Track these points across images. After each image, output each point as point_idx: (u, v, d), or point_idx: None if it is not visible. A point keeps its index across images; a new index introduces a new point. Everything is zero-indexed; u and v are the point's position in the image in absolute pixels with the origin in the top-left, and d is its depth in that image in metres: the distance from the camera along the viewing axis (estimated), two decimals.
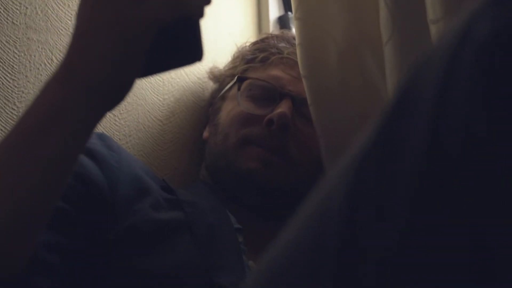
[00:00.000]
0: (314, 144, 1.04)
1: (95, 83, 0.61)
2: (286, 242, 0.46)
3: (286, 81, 1.07)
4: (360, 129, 0.99)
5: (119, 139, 1.08)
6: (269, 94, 1.06)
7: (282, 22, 1.59)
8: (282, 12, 1.63)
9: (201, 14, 0.66)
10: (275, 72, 1.09)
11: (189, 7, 0.64)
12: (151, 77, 0.72)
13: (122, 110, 1.10)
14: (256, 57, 1.14)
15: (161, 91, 1.20)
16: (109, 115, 1.07)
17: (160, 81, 1.20)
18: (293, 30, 1.10)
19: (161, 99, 1.20)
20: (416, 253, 0.38)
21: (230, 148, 1.03)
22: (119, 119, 1.10)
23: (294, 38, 1.15)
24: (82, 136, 0.64)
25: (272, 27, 1.56)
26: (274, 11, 1.60)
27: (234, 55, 1.22)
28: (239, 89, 1.09)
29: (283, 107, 1.02)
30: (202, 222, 0.89)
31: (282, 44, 1.14)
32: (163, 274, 0.81)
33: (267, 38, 1.20)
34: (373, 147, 0.42)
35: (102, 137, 0.92)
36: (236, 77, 1.12)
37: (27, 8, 0.95)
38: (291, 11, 1.07)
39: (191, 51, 0.68)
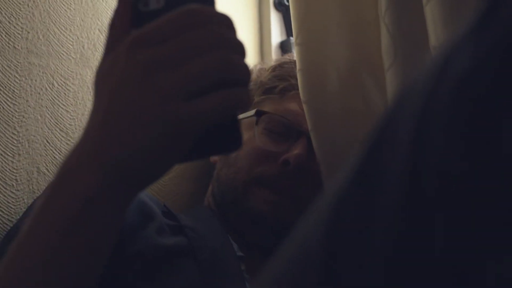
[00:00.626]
0: (321, 180, 1.03)
1: (127, 174, 0.52)
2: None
3: (301, 116, 1.05)
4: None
5: None
6: (286, 131, 1.05)
7: (284, 47, 1.59)
8: (284, 37, 1.64)
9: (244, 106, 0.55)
10: (293, 106, 1.07)
11: (246, 104, 0.54)
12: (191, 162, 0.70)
13: None
14: (274, 86, 1.12)
15: None
16: None
17: None
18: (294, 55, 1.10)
19: None
20: None
21: (240, 185, 1.01)
22: None
23: None
24: (104, 244, 0.55)
25: (274, 52, 1.57)
26: (276, 36, 1.61)
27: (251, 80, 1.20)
28: (257, 123, 1.06)
29: (299, 149, 1.01)
30: (205, 247, 0.88)
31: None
32: None
33: (285, 63, 1.17)
34: (350, 186, 0.41)
35: None
36: (255, 110, 1.08)
37: (28, 32, 0.95)
38: (293, 36, 1.07)
39: (232, 138, 0.66)
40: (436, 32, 0.76)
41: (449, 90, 0.37)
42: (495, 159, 0.34)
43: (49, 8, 0.99)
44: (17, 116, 0.94)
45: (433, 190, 0.36)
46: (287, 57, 1.22)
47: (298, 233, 0.45)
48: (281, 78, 1.13)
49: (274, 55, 1.55)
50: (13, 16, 0.94)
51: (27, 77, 0.93)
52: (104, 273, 0.76)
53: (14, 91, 0.92)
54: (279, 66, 1.17)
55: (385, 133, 0.41)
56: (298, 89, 1.06)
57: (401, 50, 0.87)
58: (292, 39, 1.14)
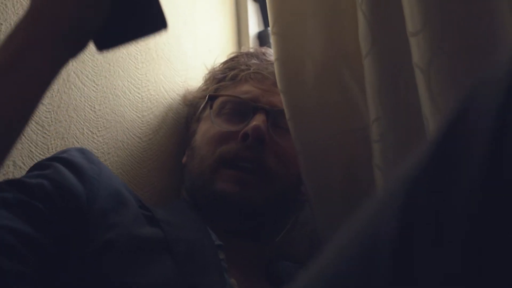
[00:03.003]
0: (292, 156, 1.04)
1: (58, 26, 0.66)
2: (327, 265, 0.46)
3: (258, 95, 1.08)
4: (339, 145, 1.00)
5: (98, 156, 1.06)
6: (242, 110, 1.07)
7: (262, 37, 1.59)
8: (261, 28, 1.64)
9: None
10: (246, 87, 1.10)
11: None
12: (117, 48, 0.73)
13: (101, 128, 1.09)
14: (226, 75, 1.16)
15: (140, 108, 1.19)
16: (87, 132, 1.06)
17: (139, 98, 1.19)
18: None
19: (140, 116, 1.19)
20: (477, 277, 0.37)
21: (207, 169, 1.03)
22: (97, 136, 1.08)
23: (264, 54, 1.17)
24: (46, 76, 0.66)
25: (252, 43, 1.56)
26: (253, 27, 1.61)
27: (205, 76, 1.23)
28: (211, 107, 1.10)
29: (257, 120, 1.02)
30: (181, 240, 0.88)
31: (252, 61, 1.15)
32: None
33: (236, 56, 1.21)
34: (426, 168, 0.42)
35: (82, 150, 0.91)
36: (207, 97, 1.13)
37: (1, 24, 0.94)
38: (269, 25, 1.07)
39: (154, 19, 0.70)
40: (413, 18, 0.75)
41: None
42: None
43: None
44: None
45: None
46: (247, 49, 1.24)
47: (362, 217, 0.46)
48: (232, 68, 1.17)
49: (251, 46, 1.54)
50: None
51: None
52: (73, 261, 0.76)
53: None
54: (230, 59, 1.21)
55: (463, 119, 0.41)
56: (250, 74, 1.10)
57: (378, 37, 0.87)
58: (270, 29, 1.15)
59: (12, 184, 0.78)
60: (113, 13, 0.68)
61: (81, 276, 0.78)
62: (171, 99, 1.28)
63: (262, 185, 1.00)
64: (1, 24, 0.94)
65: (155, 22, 0.70)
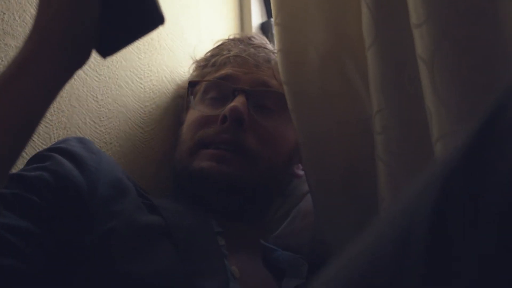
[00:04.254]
0: (278, 136, 1.04)
1: (58, 35, 0.68)
2: (364, 249, 0.46)
3: (237, 77, 1.08)
4: (341, 136, 1.00)
5: (100, 146, 1.06)
6: (223, 94, 1.07)
7: (265, 28, 1.59)
8: (264, 19, 1.63)
9: None
10: (226, 71, 1.10)
11: None
12: (120, 51, 0.73)
13: (103, 117, 1.09)
14: (208, 62, 1.16)
15: (142, 98, 1.19)
16: (89, 122, 1.05)
17: (142, 88, 1.19)
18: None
19: (142, 106, 1.19)
20: None
21: (186, 152, 1.03)
22: (99, 126, 1.08)
23: (250, 39, 1.16)
24: (51, 86, 0.68)
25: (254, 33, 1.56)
26: (256, 17, 1.60)
27: (190, 66, 1.23)
28: (192, 94, 1.11)
29: (235, 102, 1.02)
30: (181, 227, 0.88)
31: (239, 46, 1.14)
32: (144, 280, 0.79)
33: (222, 43, 1.21)
34: (462, 160, 0.42)
35: (82, 140, 0.91)
36: (188, 82, 1.14)
37: (4, 14, 0.93)
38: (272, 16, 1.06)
39: (150, 16, 0.71)
40: (416, 9, 0.75)
41: None
42: None
43: None
44: None
45: None
46: (228, 38, 1.23)
47: (398, 204, 0.47)
48: (215, 54, 1.17)
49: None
50: None
51: (4, 59, 0.92)
52: (75, 250, 0.76)
53: None
54: (216, 46, 1.21)
55: (501, 114, 0.42)
56: (230, 58, 1.10)
57: (382, 29, 0.87)
58: (272, 20, 1.14)
59: (10, 178, 0.77)
60: (110, 17, 0.69)
61: (83, 264, 0.79)
62: (174, 89, 1.27)
63: (242, 165, 0.99)
64: (4, 13, 0.93)
65: (153, 18, 0.71)
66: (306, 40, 1.02)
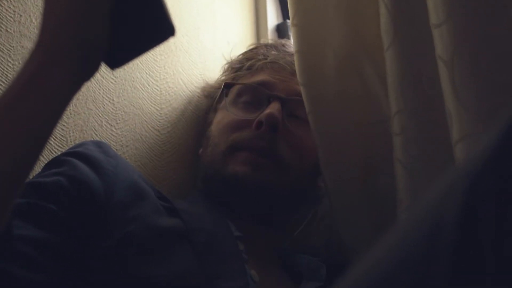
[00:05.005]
0: (307, 146, 1.04)
1: (65, 48, 0.65)
2: (390, 249, 0.46)
3: (274, 84, 1.07)
4: (359, 138, 1.00)
5: (116, 149, 1.06)
6: (257, 99, 1.06)
7: (281, 30, 1.58)
8: (280, 20, 1.63)
9: None
10: (262, 77, 1.09)
11: None
12: (130, 63, 0.72)
13: (119, 120, 1.09)
14: (243, 65, 1.16)
15: (158, 100, 1.19)
16: (106, 125, 1.05)
17: (158, 90, 1.19)
18: (291, 38, 1.09)
19: (158, 109, 1.18)
20: None
21: (219, 155, 1.03)
22: (115, 129, 1.08)
23: (284, 46, 1.16)
24: (59, 101, 0.66)
25: (270, 35, 1.55)
26: (272, 19, 1.60)
27: (223, 67, 1.23)
28: (226, 95, 1.10)
29: (271, 108, 1.01)
30: (201, 230, 0.88)
31: (273, 52, 1.14)
32: (163, 284, 0.79)
33: (256, 47, 1.21)
34: (491, 158, 0.42)
35: (99, 144, 0.91)
36: (223, 84, 1.13)
37: (21, 16, 0.93)
38: (289, 18, 1.06)
39: (160, 28, 0.69)
40: (436, 10, 0.74)
41: None
42: None
43: None
44: None
45: None
46: (267, 41, 1.23)
47: (424, 203, 0.46)
48: (249, 58, 1.17)
49: (270, 38, 1.53)
50: None
51: (20, 61, 0.92)
52: (94, 249, 0.76)
53: (7, 75, 0.90)
54: (249, 50, 1.21)
55: None
56: (266, 64, 1.10)
57: (400, 29, 0.86)
58: (289, 22, 1.14)
59: (27, 185, 0.77)
60: (120, 28, 0.67)
61: (102, 270, 0.78)
62: (190, 91, 1.27)
63: (275, 171, 0.99)
64: (21, 16, 0.94)
65: (163, 29, 0.70)
66: (324, 41, 1.02)
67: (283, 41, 1.23)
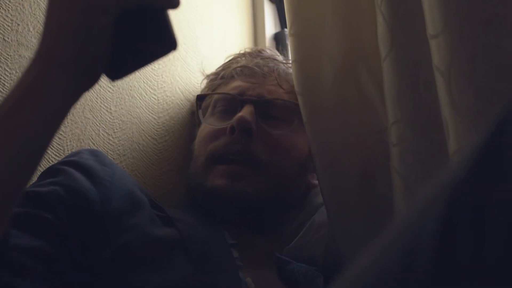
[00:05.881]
0: (287, 145, 1.04)
1: (63, 59, 0.64)
2: (374, 258, 0.46)
3: (245, 88, 1.07)
4: (355, 147, 1.00)
5: (113, 158, 1.06)
6: (231, 106, 1.06)
7: (278, 38, 1.58)
8: (278, 29, 1.63)
9: (166, 2, 0.68)
10: (234, 83, 1.09)
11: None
12: (132, 74, 0.72)
13: (116, 129, 1.09)
14: (218, 75, 1.16)
15: (155, 109, 1.19)
16: (103, 134, 1.05)
17: (155, 99, 1.19)
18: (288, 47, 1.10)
19: (156, 118, 1.18)
20: None
21: (200, 167, 1.03)
22: (113, 137, 1.08)
23: (260, 52, 1.17)
24: (57, 112, 0.65)
25: (268, 44, 1.56)
26: (270, 27, 1.60)
27: (202, 81, 1.23)
28: (200, 108, 1.11)
29: (243, 112, 1.01)
30: (196, 238, 0.88)
31: (249, 58, 1.14)
32: None
33: (234, 57, 1.20)
34: (470, 171, 0.42)
35: (94, 152, 0.91)
36: (196, 96, 1.14)
37: (18, 25, 0.94)
38: (287, 27, 1.06)
39: (163, 41, 0.69)
40: (433, 20, 0.74)
41: None
42: None
43: None
44: None
45: None
46: (241, 51, 1.23)
47: (406, 215, 0.47)
48: (224, 67, 1.17)
49: (267, 47, 1.53)
50: (2, 8, 0.92)
51: (18, 70, 0.92)
52: (90, 259, 0.75)
53: (4, 84, 0.90)
54: (228, 61, 1.20)
55: (508, 128, 0.42)
56: (237, 70, 1.10)
57: (397, 39, 0.86)
58: (286, 30, 1.14)
59: (23, 195, 0.77)
60: (121, 41, 0.66)
61: (98, 280, 0.78)
62: (187, 100, 1.27)
63: (254, 176, 0.99)
64: (18, 24, 0.94)
65: (165, 43, 0.69)
66: (321, 51, 1.02)
67: (262, 48, 1.23)
